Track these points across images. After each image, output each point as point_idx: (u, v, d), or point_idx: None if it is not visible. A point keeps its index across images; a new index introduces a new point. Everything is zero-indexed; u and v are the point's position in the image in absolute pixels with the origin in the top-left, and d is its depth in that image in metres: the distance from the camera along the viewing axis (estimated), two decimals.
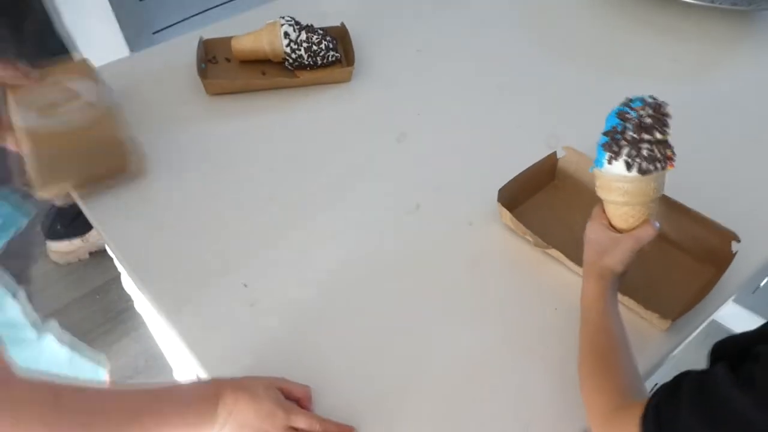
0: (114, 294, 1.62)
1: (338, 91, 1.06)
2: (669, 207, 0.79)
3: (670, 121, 0.63)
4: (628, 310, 0.74)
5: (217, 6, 1.43)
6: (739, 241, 0.75)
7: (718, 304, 0.75)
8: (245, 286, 0.77)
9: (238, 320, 0.73)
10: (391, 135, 0.98)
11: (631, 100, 0.63)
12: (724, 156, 0.97)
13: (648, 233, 0.64)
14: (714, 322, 1.35)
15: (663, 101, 0.63)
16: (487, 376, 0.69)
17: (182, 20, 1.38)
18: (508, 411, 0.65)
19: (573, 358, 0.66)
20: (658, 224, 0.65)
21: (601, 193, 0.66)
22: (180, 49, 1.13)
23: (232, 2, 1.46)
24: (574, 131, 0.94)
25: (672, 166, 0.64)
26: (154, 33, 1.31)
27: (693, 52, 1.21)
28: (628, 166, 0.62)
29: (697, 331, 0.76)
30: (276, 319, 0.74)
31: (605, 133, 0.63)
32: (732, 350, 0.48)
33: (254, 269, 0.79)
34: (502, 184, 0.82)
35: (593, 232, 0.67)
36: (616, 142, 0.62)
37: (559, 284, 0.77)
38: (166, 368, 1.59)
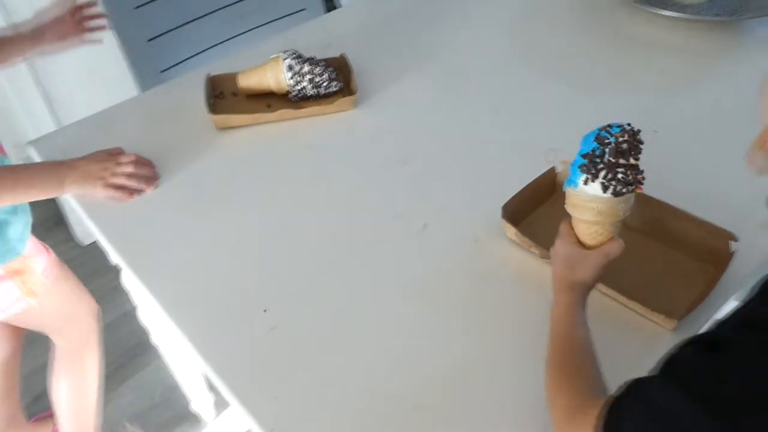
0: (126, 329, 1.65)
1: (342, 119, 1.10)
2: (668, 212, 0.83)
3: (642, 147, 0.66)
4: (635, 313, 0.76)
5: (220, 43, 1.49)
6: (737, 240, 0.78)
7: (722, 302, 0.78)
8: (265, 311, 0.80)
9: (258, 344, 0.76)
10: (396, 158, 1.01)
11: (610, 126, 0.67)
12: (716, 161, 1.00)
13: (616, 249, 0.68)
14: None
15: (638, 129, 0.67)
16: (498, 384, 0.71)
17: (188, 58, 1.43)
18: (519, 416, 0.68)
19: None
20: (622, 241, 0.69)
21: (573, 212, 0.69)
22: (187, 87, 1.17)
23: (234, 39, 1.51)
24: (570, 145, 0.96)
25: (641, 189, 0.68)
26: (161, 71, 1.36)
27: (681, 64, 1.25)
28: (604, 188, 0.66)
29: (702, 329, 0.78)
30: (295, 340, 0.77)
31: (584, 156, 0.67)
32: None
33: (272, 295, 0.82)
34: (505, 201, 0.85)
35: (563, 248, 0.70)
36: (595, 165, 0.66)
37: None
38: (182, 400, 1.61)
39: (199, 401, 1.60)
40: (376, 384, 0.72)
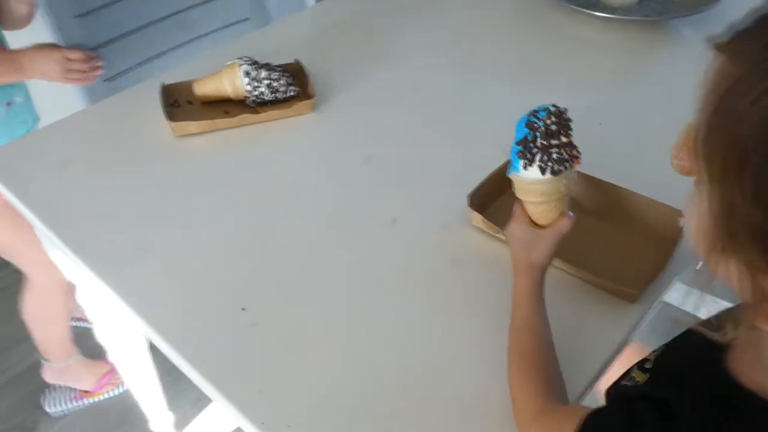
0: (83, 348, 1.60)
1: (301, 123, 1.12)
2: (620, 195, 0.88)
3: (571, 125, 0.71)
4: (599, 289, 0.81)
5: (163, 53, 1.48)
6: (684, 217, 0.84)
7: (673, 275, 0.84)
8: (243, 309, 0.80)
9: (240, 341, 0.77)
10: (358, 158, 1.04)
11: (536, 111, 0.71)
12: (657, 146, 1.07)
13: (566, 225, 0.71)
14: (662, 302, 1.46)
15: (564, 108, 0.71)
16: (476, 364, 0.74)
17: (132, 68, 1.42)
18: (499, 394, 0.71)
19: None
20: (572, 214, 0.73)
21: (520, 195, 0.73)
22: (138, 98, 1.17)
23: (178, 49, 1.51)
24: None
25: (578, 162, 0.72)
26: (105, 80, 1.35)
27: (615, 61, 1.33)
28: (542, 170, 0.69)
29: (659, 300, 0.84)
30: (275, 335, 0.78)
31: (518, 143, 0.71)
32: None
33: (249, 293, 0.82)
34: (468, 192, 0.89)
35: (518, 230, 0.73)
36: (529, 150, 0.70)
37: None
38: (141, 420, 1.57)
39: (159, 420, 1.56)
40: (358, 371, 0.74)
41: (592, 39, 1.39)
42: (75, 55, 1.26)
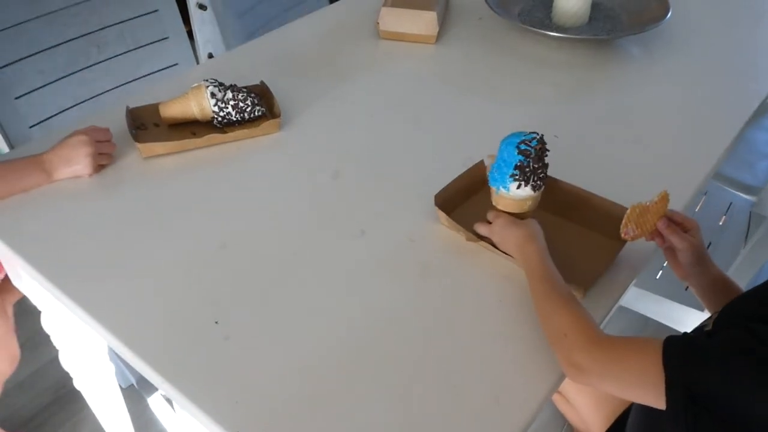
0: (51, 377, 1.57)
1: (269, 141, 1.14)
2: (579, 198, 0.93)
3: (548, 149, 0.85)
4: None
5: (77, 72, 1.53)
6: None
7: (634, 274, 0.89)
8: (216, 323, 0.81)
9: (214, 354, 0.78)
10: (326, 173, 1.06)
11: (528, 140, 0.82)
12: (606, 153, 1.13)
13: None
14: (623, 308, 1.51)
15: (542, 134, 0.85)
16: (456, 362, 0.77)
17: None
18: (480, 388, 0.74)
19: (524, 335, 0.78)
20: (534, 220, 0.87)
21: (508, 209, 0.86)
22: (102, 121, 1.17)
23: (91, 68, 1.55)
24: (484, 149, 1.06)
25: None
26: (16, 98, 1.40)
27: (568, 77, 1.40)
28: (534, 188, 0.84)
29: (617, 303, 0.88)
30: (249, 346, 0.79)
31: (516, 168, 0.82)
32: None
33: (221, 307, 0.83)
34: (432, 203, 0.92)
35: (505, 218, 0.86)
36: (525, 174, 0.82)
37: (498, 277, 0.87)
38: None
39: None
40: (332, 378, 0.75)
41: (546, 57, 1.46)
42: (105, 135, 1.07)
